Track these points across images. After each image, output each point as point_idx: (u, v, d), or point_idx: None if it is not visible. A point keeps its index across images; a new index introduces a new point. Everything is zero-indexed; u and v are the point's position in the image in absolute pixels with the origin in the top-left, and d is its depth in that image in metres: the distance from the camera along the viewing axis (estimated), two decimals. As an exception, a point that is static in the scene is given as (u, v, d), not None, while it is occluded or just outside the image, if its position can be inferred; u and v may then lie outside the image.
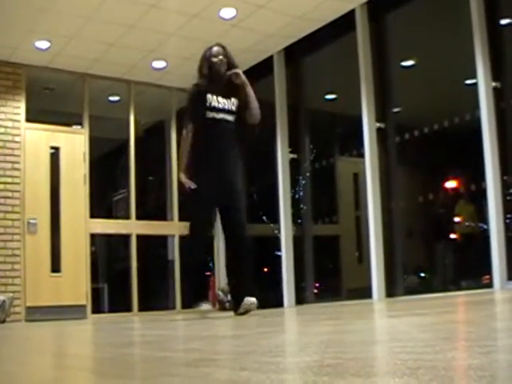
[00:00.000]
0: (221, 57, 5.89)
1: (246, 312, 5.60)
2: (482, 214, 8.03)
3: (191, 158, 5.85)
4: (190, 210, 6.09)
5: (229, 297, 10.27)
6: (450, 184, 9.01)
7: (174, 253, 11.10)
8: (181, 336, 3.63)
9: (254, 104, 5.96)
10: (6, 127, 9.80)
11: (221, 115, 5.82)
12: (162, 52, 9.91)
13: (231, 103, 5.90)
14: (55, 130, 10.25)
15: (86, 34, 9.11)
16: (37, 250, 9.68)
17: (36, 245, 9.68)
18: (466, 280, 8.30)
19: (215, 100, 5.82)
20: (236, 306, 5.80)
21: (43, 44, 9.35)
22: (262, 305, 5.73)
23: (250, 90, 5.94)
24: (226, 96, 5.87)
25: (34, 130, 9.99)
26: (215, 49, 5.95)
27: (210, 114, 5.79)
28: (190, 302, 6.34)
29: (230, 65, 5.92)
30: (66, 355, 2.70)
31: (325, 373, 1.34)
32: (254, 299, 5.65)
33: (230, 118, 5.88)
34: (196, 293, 6.21)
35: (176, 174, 11.35)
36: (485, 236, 7.47)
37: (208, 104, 5.79)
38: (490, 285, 7.24)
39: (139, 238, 10.76)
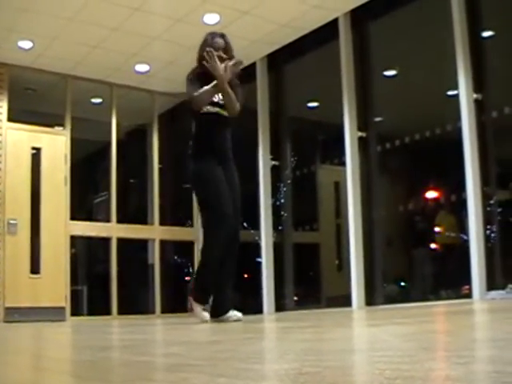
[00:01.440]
0: (221, 53, 5.61)
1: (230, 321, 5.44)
2: (462, 225, 8.08)
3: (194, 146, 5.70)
4: (214, 205, 5.54)
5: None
6: (431, 194, 9.05)
7: (154, 257, 11.08)
8: (160, 340, 3.62)
9: (235, 102, 5.62)
10: (-13, 127, 9.77)
11: (216, 109, 5.61)
12: (145, 56, 9.90)
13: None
14: (37, 130, 10.21)
15: (69, 36, 9.09)
16: (16, 251, 9.63)
17: (16, 245, 9.63)
18: (445, 290, 8.34)
19: None
20: (214, 309, 5.66)
21: (26, 44, 9.32)
22: (241, 311, 5.65)
23: (230, 94, 5.59)
24: None
25: (16, 130, 9.95)
26: (218, 42, 5.69)
27: (205, 108, 5.57)
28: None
29: (228, 60, 5.60)
30: (45, 357, 2.69)
31: (303, 380, 1.35)
32: (240, 314, 5.51)
33: (225, 113, 5.63)
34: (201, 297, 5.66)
35: (157, 176, 11.36)
36: (465, 246, 7.51)
37: None
38: (469, 295, 7.28)
39: (119, 241, 10.73)
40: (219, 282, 5.62)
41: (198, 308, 5.53)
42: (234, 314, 5.48)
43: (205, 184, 5.63)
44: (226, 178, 5.60)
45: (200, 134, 5.69)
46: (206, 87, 5.48)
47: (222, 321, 5.41)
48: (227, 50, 5.73)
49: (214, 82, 5.47)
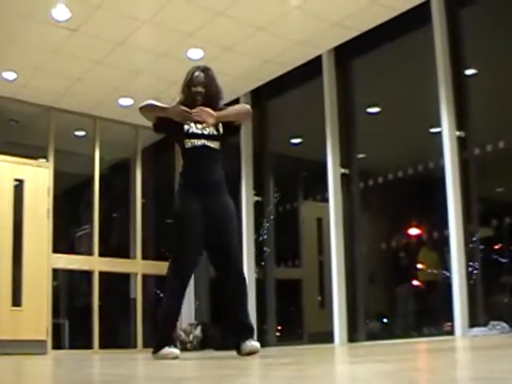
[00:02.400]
0: (200, 88, 5.50)
1: (251, 353, 5.37)
2: (444, 262, 8.09)
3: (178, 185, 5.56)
4: (175, 244, 5.47)
5: (191, 337, 10.19)
6: (414, 231, 9.06)
7: (137, 291, 11.02)
8: (140, 376, 3.59)
9: (238, 117, 5.74)
10: (-31, 158, 9.73)
11: (201, 141, 5.43)
12: (129, 89, 9.92)
13: (212, 128, 5.46)
14: (20, 162, 10.14)
15: (53, 68, 9.11)
16: (-2, 283, 9.55)
17: (-3, 277, 9.55)
18: (427, 327, 8.33)
19: (193, 126, 5.43)
20: (238, 345, 5.58)
21: (10, 75, 9.32)
22: (222, 346, 5.63)
23: (228, 115, 5.57)
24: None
25: (-2, 161, 9.91)
26: (198, 76, 5.56)
27: (189, 143, 5.42)
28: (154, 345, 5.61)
29: (210, 95, 5.55)
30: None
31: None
32: (258, 344, 5.53)
33: (212, 144, 5.46)
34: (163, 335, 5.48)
35: (140, 210, 11.32)
36: (447, 283, 7.51)
37: (186, 131, 5.44)
38: (451, 332, 7.27)
39: (101, 274, 10.66)
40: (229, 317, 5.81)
41: (164, 351, 5.31)
42: (249, 345, 5.52)
43: (174, 233, 5.49)
44: (210, 217, 5.37)
45: (185, 170, 5.56)
46: (162, 105, 5.45)
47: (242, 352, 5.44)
48: (207, 84, 5.58)
49: (178, 106, 5.38)
